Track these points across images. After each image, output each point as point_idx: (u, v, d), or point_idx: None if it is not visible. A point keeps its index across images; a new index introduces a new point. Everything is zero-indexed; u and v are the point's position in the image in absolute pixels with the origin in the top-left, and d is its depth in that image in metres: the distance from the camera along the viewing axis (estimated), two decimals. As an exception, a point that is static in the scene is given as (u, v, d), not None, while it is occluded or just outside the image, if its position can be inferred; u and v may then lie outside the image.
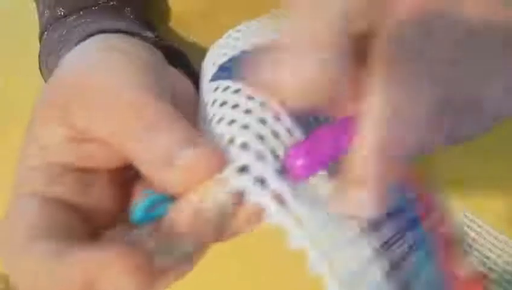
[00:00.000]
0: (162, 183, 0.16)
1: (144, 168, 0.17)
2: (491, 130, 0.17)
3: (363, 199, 0.15)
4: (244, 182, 0.15)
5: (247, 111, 0.17)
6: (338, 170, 0.16)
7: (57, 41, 0.29)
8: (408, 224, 0.23)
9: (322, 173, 0.17)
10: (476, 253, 0.30)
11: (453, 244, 0.27)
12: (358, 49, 0.16)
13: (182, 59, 0.26)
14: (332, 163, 0.16)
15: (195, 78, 0.22)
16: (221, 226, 0.16)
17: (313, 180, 0.17)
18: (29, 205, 0.17)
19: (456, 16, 0.15)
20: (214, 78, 0.20)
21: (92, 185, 0.18)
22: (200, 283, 0.25)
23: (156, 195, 0.17)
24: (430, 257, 0.23)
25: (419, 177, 0.29)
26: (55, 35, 0.30)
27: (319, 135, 0.16)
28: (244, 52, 0.20)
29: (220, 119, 0.18)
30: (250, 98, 0.17)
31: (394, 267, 0.20)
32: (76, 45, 0.22)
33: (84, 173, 0.18)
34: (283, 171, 0.16)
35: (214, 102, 0.19)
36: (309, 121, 0.18)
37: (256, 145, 0.16)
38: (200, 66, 0.23)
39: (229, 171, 0.15)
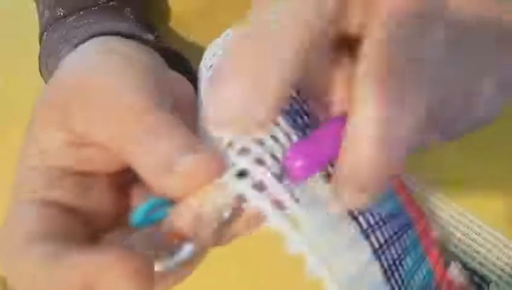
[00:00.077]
0: (162, 189, 0.16)
1: (143, 173, 0.17)
2: (482, 127, 0.17)
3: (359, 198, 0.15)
4: (243, 186, 0.15)
5: None
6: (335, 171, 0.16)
7: (57, 42, 0.29)
8: (402, 227, 0.23)
9: (321, 173, 0.17)
10: (474, 254, 0.30)
11: (440, 248, 0.27)
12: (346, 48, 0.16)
13: (182, 62, 0.25)
14: (331, 163, 0.16)
15: (195, 80, 0.22)
16: (220, 230, 0.16)
17: (311, 181, 0.17)
18: (29, 209, 0.17)
19: (450, 14, 0.15)
20: None
21: (91, 189, 0.18)
22: (199, 286, 0.25)
23: (156, 199, 0.17)
24: (423, 258, 0.23)
25: (404, 185, 0.29)
26: (55, 35, 0.30)
27: (317, 136, 0.15)
28: None
29: None
30: None
31: (391, 268, 0.20)
32: (76, 47, 0.22)
33: (83, 177, 0.18)
34: (282, 173, 0.16)
35: None
36: (307, 122, 0.18)
37: (255, 149, 0.16)
38: (199, 65, 0.23)
39: (228, 176, 0.15)
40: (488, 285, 0.29)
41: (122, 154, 0.17)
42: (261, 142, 0.16)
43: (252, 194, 0.15)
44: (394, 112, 0.14)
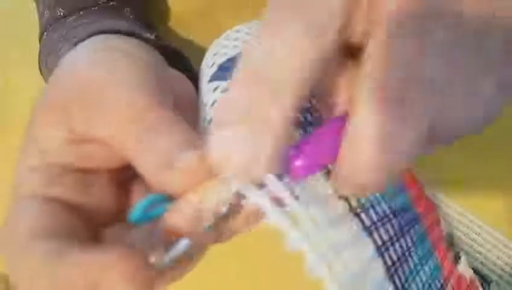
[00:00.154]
0: (161, 185, 0.16)
1: (143, 170, 0.17)
2: (482, 130, 0.16)
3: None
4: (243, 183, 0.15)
5: None
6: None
7: (56, 42, 0.29)
8: (409, 222, 0.23)
9: (321, 172, 0.17)
10: (475, 253, 0.30)
11: (448, 244, 0.27)
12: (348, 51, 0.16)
13: (182, 60, 0.26)
14: (331, 163, 0.16)
15: (194, 79, 0.22)
16: (219, 227, 0.16)
17: (312, 179, 0.17)
18: (30, 206, 0.17)
19: (450, 14, 0.15)
20: (213, 78, 0.20)
21: (91, 185, 0.18)
22: (199, 283, 0.25)
23: (154, 195, 0.17)
24: (430, 254, 0.23)
25: (416, 179, 0.29)
26: (55, 35, 0.30)
27: (318, 135, 0.15)
28: None
29: None
30: None
31: (395, 265, 0.20)
32: (76, 44, 0.22)
33: (83, 174, 0.18)
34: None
35: (213, 103, 0.19)
36: (310, 120, 0.18)
37: None
38: (199, 65, 0.23)
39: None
40: (489, 285, 0.29)
41: (122, 151, 0.17)
42: None
43: (251, 191, 0.15)
44: (395, 112, 0.14)
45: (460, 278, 0.26)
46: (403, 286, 0.20)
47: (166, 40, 0.27)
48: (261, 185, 0.15)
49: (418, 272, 0.21)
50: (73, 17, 0.31)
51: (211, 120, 0.18)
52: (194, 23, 0.36)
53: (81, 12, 0.31)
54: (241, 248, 0.25)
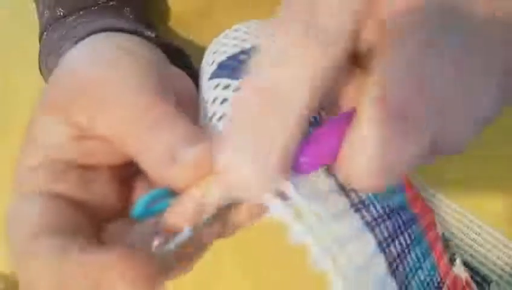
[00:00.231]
0: (164, 180, 0.16)
1: (146, 165, 0.17)
2: (481, 132, 0.16)
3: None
4: None
5: None
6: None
7: (57, 41, 0.29)
8: (407, 221, 0.23)
9: (323, 168, 0.17)
10: (475, 253, 0.30)
11: (444, 244, 0.27)
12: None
13: (183, 58, 0.26)
14: (334, 161, 0.16)
15: (195, 76, 0.22)
16: (223, 221, 0.16)
17: (313, 175, 0.17)
18: (35, 203, 0.17)
19: (455, 19, 0.15)
20: (214, 76, 0.20)
21: (94, 182, 0.19)
22: (201, 278, 0.25)
23: (157, 190, 0.17)
24: (427, 254, 0.23)
25: (411, 182, 0.29)
26: (55, 35, 0.30)
27: (321, 132, 0.15)
28: (243, 51, 0.20)
29: (221, 117, 0.18)
30: None
31: (395, 262, 0.20)
32: (77, 42, 0.22)
33: (86, 170, 0.18)
34: None
35: (214, 100, 0.19)
36: (314, 117, 0.18)
37: None
38: (199, 64, 0.23)
39: None
40: (489, 285, 0.29)
41: (125, 147, 0.17)
42: None
43: None
44: (397, 127, 0.14)
45: (456, 278, 0.26)
46: (403, 282, 0.20)
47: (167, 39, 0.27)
48: None
49: (417, 270, 0.21)
50: (73, 17, 0.31)
51: (212, 117, 0.18)
52: (193, 23, 0.36)
53: (81, 12, 0.31)
54: (244, 241, 0.25)
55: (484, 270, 0.29)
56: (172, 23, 0.37)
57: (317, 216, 0.15)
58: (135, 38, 0.22)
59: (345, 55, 0.14)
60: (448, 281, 0.25)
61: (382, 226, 0.20)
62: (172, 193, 0.17)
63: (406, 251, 0.21)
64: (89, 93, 0.18)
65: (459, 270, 0.27)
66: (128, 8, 0.32)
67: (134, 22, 0.31)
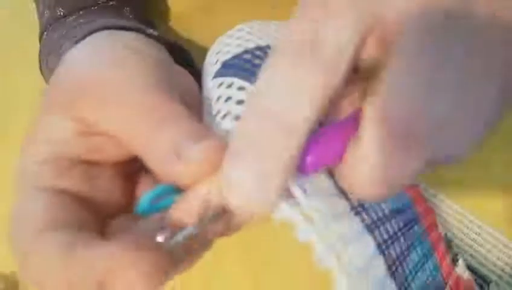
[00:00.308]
0: (170, 177, 0.16)
1: (151, 162, 0.17)
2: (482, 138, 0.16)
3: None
4: None
5: None
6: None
7: (57, 41, 0.29)
8: (409, 222, 0.23)
9: (328, 168, 0.17)
10: (475, 254, 0.30)
11: (446, 245, 0.27)
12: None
13: (185, 56, 0.26)
14: (339, 162, 0.16)
15: (197, 75, 0.22)
16: (227, 218, 0.16)
17: (318, 175, 0.17)
18: (40, 198, 0.17)
19: (463, 14, 0.14)
20: (218, 74, 0.20)
21: (98, 178, 0.19)
22: (205, 274, 0.25)
23: (163, 186, 0.17)
24: (430, 254, 0.23)
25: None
26: (55, 35, 0.30)
27: (327, 132, 0.16)
28: (247, 51, 0.20)
29: (226, 115, 0.18)
30: None
31: (395, 264, 0.20)
32: (78, 41, 0.22)
33: (90, 166, 0.18)
34: None
35: (218, 98, 0.19)
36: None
37: None
38: (199, 64, 0.23)
39: None
40: (489, 285, 0.29)
41: (131, 143, 0.17)
42: None
43: None
44: (399, 143, 0.14)
45: (458, 279, 0.26)
46: (403, 283, 0.20)
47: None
48: None
49: (417, 272, 0.21)
50: (73, 16, 0.31)
51: (216, 115, 0.18)
52: (193, 22, 0.36)
53: (81, 12, 0.31)
54: (247, 239, 0.25)
55: (484, 271, 0.29)
56: (172, 22, 0.37)
57: (321, 215, 0.16)
58: (141, 37, 0.22)
59: (347, 74, 0.14)
60: (450, 282, 0.25)
61: (382, 228, 0.20)
62: (177, 190, 0.17)
63: (406, 252, 0.21)
64: (95, 90, 0.18)
65: (462, 270, 0.27)
66: (128, 8, 0.32)
67: (134, 21, 0.31)
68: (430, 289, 0.22)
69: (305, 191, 0.16)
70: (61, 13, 0.31)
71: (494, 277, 0.29)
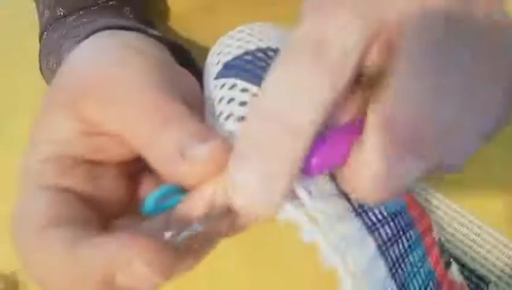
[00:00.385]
0: (174, 177, 0.16)
1: (155, 163, 0.17)
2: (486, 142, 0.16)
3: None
4: None
5: None
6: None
7: (57, 41, 0.29)
8: (405, 226, 0.23)
9: (332, 171, 0.17)
10: (474, 254, 0.30)
11: (440, 249, 0.27)
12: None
13: (186, 56, 0.26)
14: (343, 164, 0.16)
15: (198, 75, 0.22)
16: (232, 218, 0.16)
17: (322, 177, 0.17)
18: (43, 196, 0.17)
19: (465, 18, 0.14)
20: (220, 76, 0.20)
21: (101, 177, 0.19)
22: (208, 276, 0.25)
23: (168, 186, 0.17)
24: (424, 259, 0.23)
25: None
26: (55, 35, 0.30)
27: (332, 135, 0.16)
28: (248, 52, 0.20)
29: (228, 116, 0.18)
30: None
31: (395, 265, 0.20)
32: (81, 41, 0.22)
33: (93, 166, 0.18)
34: None
35: (221, 99, 0.19)
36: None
37: None
38: (200, 63, 0.23)
39: None
40: (488, 285, 0.29)
41: (135, 143, 0.17)
42: None
43: None
44: (402, 150, 0.14)
45: (452, 283, 0.26)
46: (403, 285, 0.20)
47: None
48: None
49: (415, 274, 0.21)
50: (74, 16, 0.31)
51: (219, 116, 0.18)
52: (193, 22, 0.37)
53: (81, 12, 0.31)
54: (251, 240, 0.25)
55: (483, 271, 0.29)
56: (172, 22, 0.37)
57: (325, 216, 0.16)
58: (143, 37, 0.22)
59: (353, 77, 0.14)
60: (444, 287, 0.25)
61: (382, 230, 0.20)
62: (181, 190, 0.17)
63: (405, 254, 0.21)
64: (98, 89, 0.18)
65: (455, 275, 0.27)
66: (128, 8, 0.32)
67: (134, 21, 0.31)
68: None
69: (310, 192, 0.16)
70: (61, 13, 0.31)
71: (493, 277, 0.29)
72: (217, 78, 0.20)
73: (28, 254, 0.16)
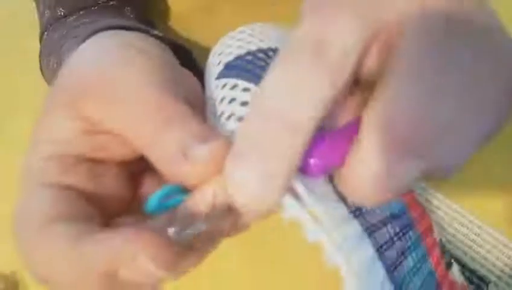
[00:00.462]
0: (177, 176, 0.17)
1: (157, 162, 0.17)
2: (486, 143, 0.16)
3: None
4: None
5: None
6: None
7: (57, 41, 0.29)
8: (404, 228, 0.23)
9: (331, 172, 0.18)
10: (474, 254, 0.30)
11: (441, 250, 0.27)
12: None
13: (187, 56, 0.26)
14: (342, 164, 0.16)
15: (199, 75, 0.23)
16: (234, 217, 0.16)
17: (322, 178, 0.17)
18: (46, 193, 0.17)
19: (466, 18, 0.14)
20: (221, 76, 0.20)
21: (103, 176, 0.19)
22: (210, 275, 0.25)
23: (171, 186, 0.17)
24: (424, 259, 0.23)
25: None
26: (55, 35, 0.30)
27: (331, 135, 0.16)
28: (249, 53, 0.20)
29: (230, 116, 0.18)
30: None
31: (393, 266, 0.20)
32: (83, 41, 0.22)
33: (95, 164, 0.18)
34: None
35: (222, 99, 0.19)
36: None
37: None
38: (200, 63, 0.23)
39: None
40: (487, 285, 0.29)
41: (137, 143, 0.17)
42: None
43: None
44: (400, 151, 0.14)
45: (452, 284, 0.26)
46: (401, 287, 0.20)
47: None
48: None
49: (413, 276, 0.21)
50: (74, 16, 0.31)
51: (220, 116, 0.19)
52: (193, 22, 0.37)
53: (82, 12, 0.31)
54: (253, 239, 0.25)
55: (483, 271, 0.29)
56: (172, 22, 0.37)
57: (328, 216, 0.16)
58: (145, 37, 0.22)
59: (352, 76, 0.15)
60: (445, 288, 0.25)
61: (380, 231, 0.20)
62: (184, 190, 0.17)
63: (402, 257, 0.21)
64: (101, 88, 0.18)
65: (456, 275, 0.27)
66: (128, 8, 0.33)
67: (135, 21, 0.31)
68: None
69: (310, 192, 0.16)
70: (62, 13, 0.31)
71: (493, 277, 0.29)
72: (218, 78, 0.20)
73: (31, 251, 0.16)
